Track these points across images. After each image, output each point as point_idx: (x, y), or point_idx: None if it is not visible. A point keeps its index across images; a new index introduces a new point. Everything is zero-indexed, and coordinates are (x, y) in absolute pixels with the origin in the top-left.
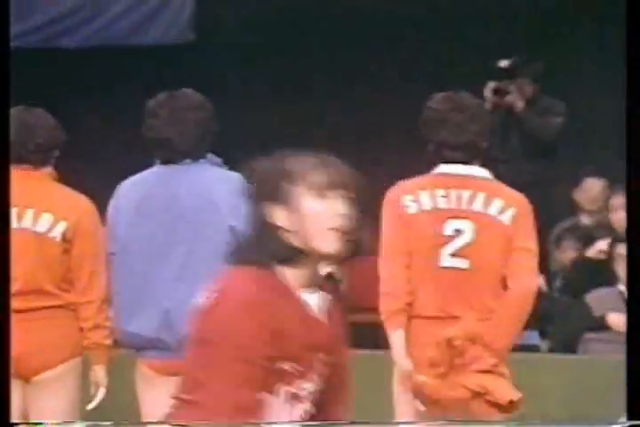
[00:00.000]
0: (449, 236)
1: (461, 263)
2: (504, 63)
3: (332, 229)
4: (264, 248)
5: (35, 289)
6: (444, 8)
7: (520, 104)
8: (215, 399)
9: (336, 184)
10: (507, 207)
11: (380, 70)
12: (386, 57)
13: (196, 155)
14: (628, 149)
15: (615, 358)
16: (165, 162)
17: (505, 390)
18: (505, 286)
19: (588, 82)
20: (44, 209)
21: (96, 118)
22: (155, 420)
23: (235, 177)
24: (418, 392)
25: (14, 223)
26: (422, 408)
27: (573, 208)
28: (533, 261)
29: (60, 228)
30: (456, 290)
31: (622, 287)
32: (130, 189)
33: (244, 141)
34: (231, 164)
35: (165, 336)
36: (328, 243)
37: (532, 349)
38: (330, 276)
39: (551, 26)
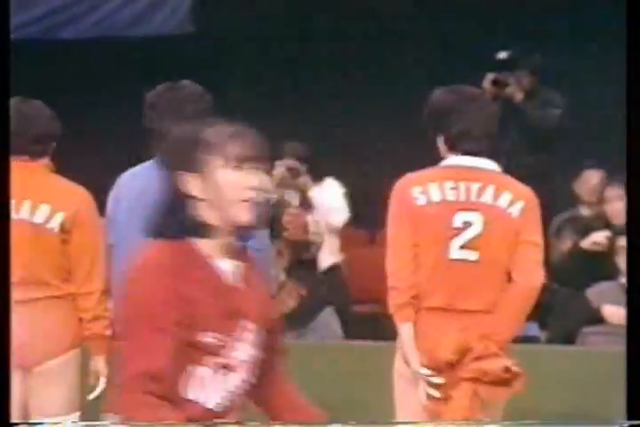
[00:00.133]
0: (458, 228)
1: (471, 255)
2: (503, 55)
3: (246, 200)
4: (178, 219)
5: (34, 280)
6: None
7: (519, 96)
8: (129, 370)
9: (251, 156)
10: (516, 200)
11: (379, 62)
12: (385, 50)
13: None
14: (628, 141)
15: (613, 349)
16: None
17: (498, 363)
18: (510, 279)
19: (587, 73)
20: (42, 200)
21: (95, 110)
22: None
23: None
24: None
25: (12, 214)
26: (424, 402)
27: (573, 200)
28: (540, 256)
29: (58, 218)
30: (465, 282)
31: (624, 280)
32: (130, 180)
33: None
34: None
35: None
36: (241, 214)
37: (532, 340)
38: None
39: (550, 17)
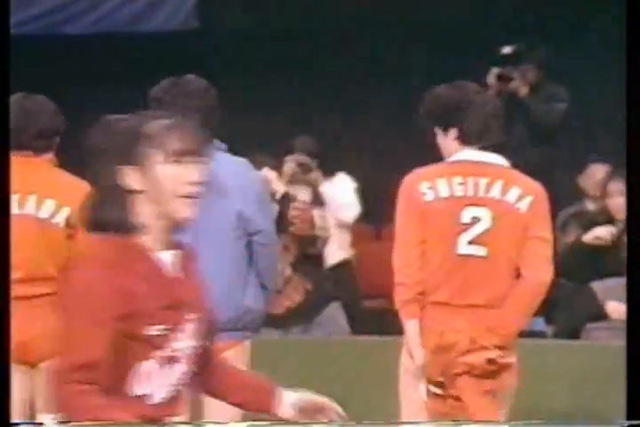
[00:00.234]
0: (466, 223)
1: (479, 251)
2: (507, 50)
3: (185, 194)
4: (118, 213)
5: (39, 275)
6: None
7: (524, 90)
8: (65, 362)
9: (190, 150)
10: (524, 195)
11: (393, 57)
12: (389, 45)
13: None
14: (627, 137)
15: (616, 344)
16: None
17: (482, 356)
18: (519, 275)
19: (591, 67)
20: (47, 195)
21: (99, 105)
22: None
23: (241, 162)
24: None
25: (16, 210)
26: (425, 398)
27: (578, 194)
28: (548, 251)
29: (64, 213)
30: (474, 277)
31: None
32: None
33: (248, 128)
34: (235, 150)
35: None
36: (180, 208)
37: (538, 335)
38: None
39: (554, 11)
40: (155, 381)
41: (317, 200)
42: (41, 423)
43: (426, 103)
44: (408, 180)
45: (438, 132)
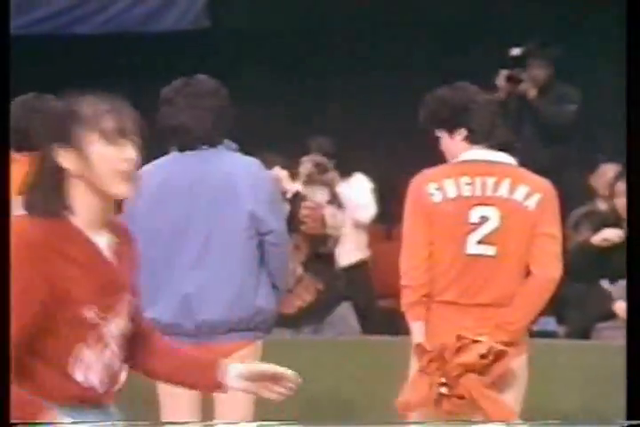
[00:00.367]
0: (475, 223)
1: (488, 250)
2: (516, 51)
3: (120, 173)
4: (52, 194)
5: None
6: None
7: (533, 92)
8: None
9: (125, 130)
10: (532, 193)
11: (390, 58)
12: (398, 44)
13: (212, 141)
14: (628, 137)
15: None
16: (182, 149)
17: (473, 352)
18: (528, 273)
19: (600, 67)
20: None
21: None
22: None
23: (252, 162)
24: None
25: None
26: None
27: (590, 194)
28: (557, 248)
29: None
30: (483, 277)
31: None
32: (146, 177)
33: (258, 127)
34: (246, 150)
35: (184, 322)
36: (116, 186)
37: (550, 335)
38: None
39: (564, 12)
40: (94, 365)
41: (334, 201)
42: (41, 423)
43: (430, 106)
44: (415, 181)
45: (443, 134)
